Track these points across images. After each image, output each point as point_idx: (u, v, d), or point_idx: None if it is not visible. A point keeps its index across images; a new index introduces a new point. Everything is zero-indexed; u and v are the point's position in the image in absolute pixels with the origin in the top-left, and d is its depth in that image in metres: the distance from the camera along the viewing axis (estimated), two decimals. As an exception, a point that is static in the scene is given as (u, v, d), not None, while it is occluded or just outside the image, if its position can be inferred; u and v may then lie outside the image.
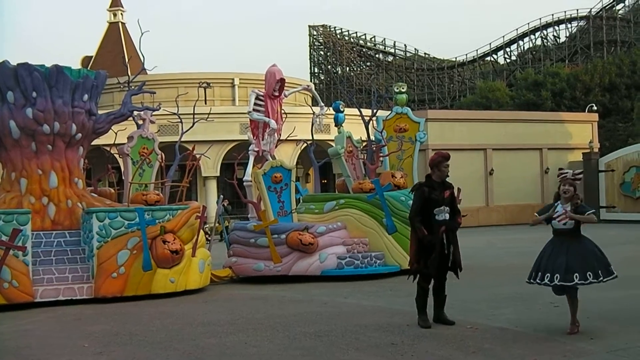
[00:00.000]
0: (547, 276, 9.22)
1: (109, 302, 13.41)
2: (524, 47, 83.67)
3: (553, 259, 9.19)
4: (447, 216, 9.79)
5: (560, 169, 10.36)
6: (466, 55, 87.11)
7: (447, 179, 10.08)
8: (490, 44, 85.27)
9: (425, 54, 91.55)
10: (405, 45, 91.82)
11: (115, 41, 64.50)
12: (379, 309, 11.81)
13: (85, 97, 15.67)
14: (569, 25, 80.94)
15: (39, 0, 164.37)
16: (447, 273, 9.98)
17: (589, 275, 9.01)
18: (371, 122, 20.02)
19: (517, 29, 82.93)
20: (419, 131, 20.05)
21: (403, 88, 21.09)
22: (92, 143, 17.04)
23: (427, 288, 9.96)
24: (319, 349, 8.68)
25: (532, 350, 8.26)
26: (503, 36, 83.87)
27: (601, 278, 9.07)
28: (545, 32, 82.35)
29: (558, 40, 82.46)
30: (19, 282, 12.95)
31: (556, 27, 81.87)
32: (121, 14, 67.00)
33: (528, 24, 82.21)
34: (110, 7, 67.42)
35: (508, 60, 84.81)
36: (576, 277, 8.95)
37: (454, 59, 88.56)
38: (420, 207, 9.88)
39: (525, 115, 45.73)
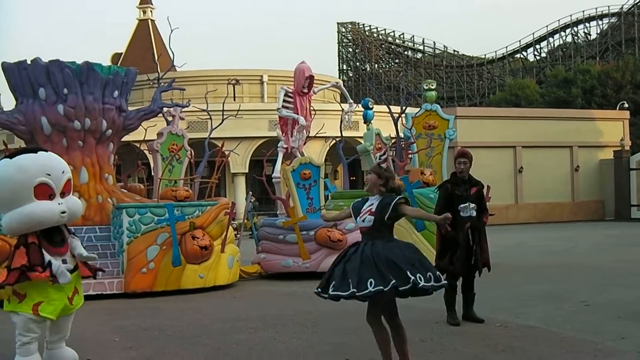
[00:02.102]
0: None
1: (138, 297, 13.50)
2: (554, 44, 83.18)
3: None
4: (474, 213, 9.73)
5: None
6: (495, 52, 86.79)
7: (475, 176, 10.06)
8: (519, 41, 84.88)
9: (454, 51, 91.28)
10: (434, 42, 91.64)
11: (145, 38, 64.85)
12: (408, 306, 11.68)
13: (116, 93, 15.78)
14: (600, 22, 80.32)
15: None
16: (481, 269, 9.93)
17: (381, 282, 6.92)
18: (400, 119, 19.98)
19: (547, 26, 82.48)
20: (448, 128, 19.98)
21: (432, 85, 21.03)
22: (122, 139, 17.16)
23: (455, 285, 9.91)
24: (348, 345, 8.68)
25: (562, 349, 8.20)
26: (533, 33, 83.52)
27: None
28: (575, 29, 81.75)
29: (589, 37, 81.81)
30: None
31: (587, 24, 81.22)
32: (150, 11, 67.36)
33: (558, 20, 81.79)
34: (139, 4, 67.80)
35: (538, 58, 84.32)
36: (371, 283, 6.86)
37: (483, 56, 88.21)
38: (444, 204, 9.87)
39: (555, 113, 45.39)
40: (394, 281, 6.72)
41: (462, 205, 9.68)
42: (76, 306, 7.53)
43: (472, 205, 9.72)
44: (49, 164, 7.43)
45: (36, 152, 7.49)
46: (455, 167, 10.05)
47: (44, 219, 7.21)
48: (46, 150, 7.58)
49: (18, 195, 7.29)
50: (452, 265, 9.75)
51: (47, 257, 7.19)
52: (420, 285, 6.79)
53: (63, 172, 7.46)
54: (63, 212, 7.33)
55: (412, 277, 6.75)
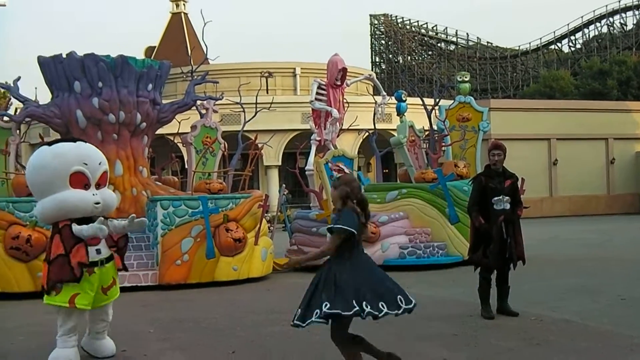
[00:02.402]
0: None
1: (173, 289, 13.58)
2: (589, 35, 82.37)
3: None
4: (507, 206, 9.65)
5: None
6: (529, 44, 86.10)
7: (509, 169, 9.99)
8: (554, 32, 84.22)
9: (487, 42, 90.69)
10: (467, 34, 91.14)
11: (178, 31, 65.07)
12: (442, 299, 11.75)
13: (150, 86, 15.86)
14: (636, 12, 79.37)
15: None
16: (516, 262, 9.85)
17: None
18: (434, 111, 19.90)
19: (582, 17, 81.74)
20: (482, 120, 19.86)
21: (466, 77, 20.91)
22: (156, 132, 17.25)
23: (489, 278, 9.86)
24: (381, 337, 8.64)
25: (598, 343, 8.13)
26: (567, 24, 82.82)
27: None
28: (611, 19, 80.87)
29: (625, 27, 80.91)
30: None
31: (623, 14, 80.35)
32: (183, 4, 67.56)
33: (594, 11, 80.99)
34: (173, -3, 68.04)
35: (573, 49, 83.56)
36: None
37: (517, 48, 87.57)
38: (477, 197, 9.82)
39: (590, 105, 45.01)
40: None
41: (495, 198, 9.62)
42: (111, 297, 7.61)
43: (506, 198, 9.64)
44: (87, 153, 7.49)
45: (75, 142, 7.57)
46: (489, 160, 9.99)
47: (77, 207, 7.27)
48: (84, 141, 7.66)
49: (53, 181, 7.36)
50: (486, 258, 9.70)
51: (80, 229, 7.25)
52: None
53: (100, 164, 7.52)
54: (97, 203, 7.38)
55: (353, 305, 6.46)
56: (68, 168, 7.33)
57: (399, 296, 6.80)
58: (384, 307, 6.57)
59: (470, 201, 10.06)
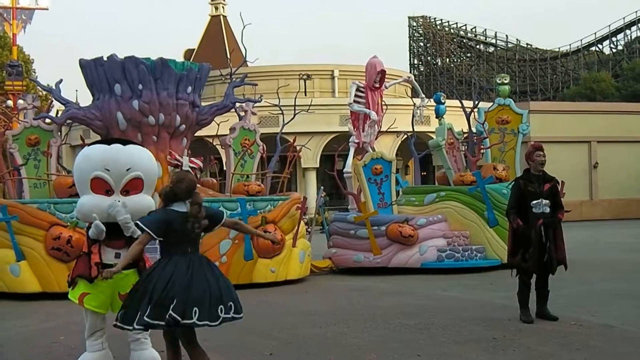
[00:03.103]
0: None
1: (211, 291, 13.62)
2: (631, 37, 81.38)
3: None
4: (547, 209, 9.54)
5: None
6: (570, 45, 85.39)
7: (549, 172, 9.90)
8: (595, 33, 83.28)
9: (527, 44, 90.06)
10: (506, 35, 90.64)
11: (217, 34, 65.38)
12: (480, 303, 11.69)
13: (189, 89, 15.94)
14: (679, 14, 78.30)
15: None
16: (555, 267, 9.73)
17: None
18: (472, 113, 19.79)
19: (624, 18, 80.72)
20: (521, 123, 19.70)
21: (505, 79, 20.77)
22: (195, 134, 17.34)
23: (529, 283, 9.78)
24: (418, 341, 8.65)
25: (639, 349, 8.04)
26: (609, 25, 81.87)
27: None
28: (654, 20, 79.83)
29: (668, 29, 79.87)
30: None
31: (666, 16, 79.30)
32: (222, 7, 67.86)
33: (636, 12, 79.89)
34: (212, 0, 68.34)
35: (614, 50, 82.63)
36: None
37: (557, 50, 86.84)
38: (516, 200, 9.77)
39: (632, 107, 44.52)
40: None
41: (534, 202, 9.54)
42: None
43: (545, 201, 9.55)
44: (113, 158, 7.20)
45: (109, 144, 7.35)
46: (528, 163, 9.90)
47: (92, 212, 7.11)
48: (124, 143, 7.43)
49: (80, 183, 7.30)
50: (525, 262, 9.63)
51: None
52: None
53: (128, 170, 7.20)
54: (110, 209, 7.13)
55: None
56: (90, 172, 7.18)
57: (220, 306, 6.55)
58: (195, 316, 6.33)
59: (508, 204, 10.02)
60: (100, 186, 7.15)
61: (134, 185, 7.26)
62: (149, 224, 6.40)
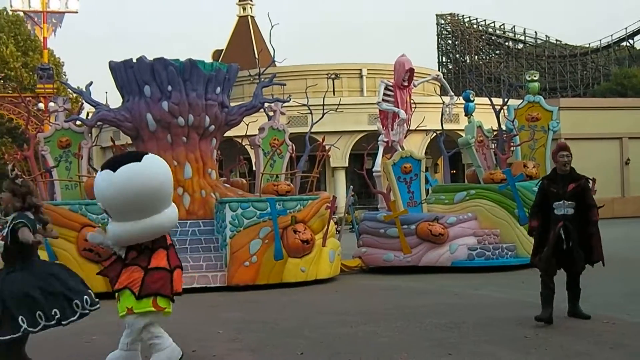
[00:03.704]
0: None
1: (241, 290, 13.67)
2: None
3: None
4: (569, 211, 9.31)
5: None
6: (600, 41, 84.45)
7: (579, 170, 9.76)
8: (626, 28, 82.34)
9: (556, 40, 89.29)
10: (535, 32, 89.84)
11: (245, 34, 65.51)
12: (511, 301, 11.61)
13: (218, 89, 16.00)
14: None
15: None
16: (581, 267, 9.58)
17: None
18: (502, 111, 19.69)
19: (655, 13, 79.76)
20: (552, 120, 19.57)
21: (535, 76, 20.63)
22: (224, 134, 17.40)
23: (548, 282, 9.44)
24: (450, 340, 8.61)
25: (675, 347, 7.96)
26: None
27: None
28: (686, 15, 78.85)
29: (700, 23, 78.91)
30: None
31: (698, 10, 78.31)
32: (250, 7, 67.97)
33: (667, 6, 78.98)
34: (239, 1, 68.48)
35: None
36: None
37: (587, 45, 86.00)
38: (539, 201, 9.68)
39: (664, 103, 44.05)
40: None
41: (556, 203, 9.36)
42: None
43: (568, 202, 9.32)
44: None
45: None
46: (555, 163, 9.78)
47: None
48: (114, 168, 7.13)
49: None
50: (540, 262, 9.54)
51: None
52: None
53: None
54: None
55: (23, 326, 6.43)
56: None
57: (75, 301, 6.73)
58: (41, 320, 6.47)
59: (532, 205, 9.98)
60: None
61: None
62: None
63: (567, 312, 9.71)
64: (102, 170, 7.11)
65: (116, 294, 7.33)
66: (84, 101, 17.49)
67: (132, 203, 6.99)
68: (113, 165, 7.03)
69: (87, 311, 6.92)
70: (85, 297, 6.91)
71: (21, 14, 44.32)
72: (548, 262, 9.39)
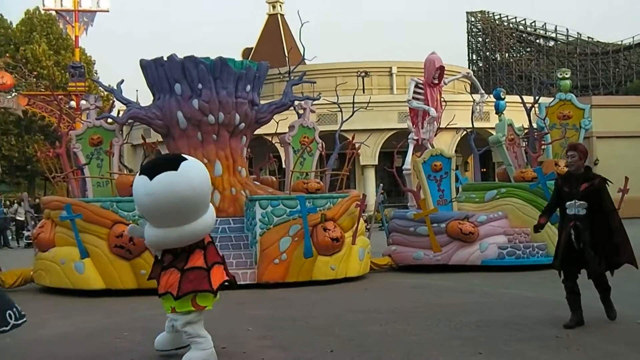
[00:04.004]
0: None
1: (270, 288, 13.70)
2: (696, 29, 79.50)
3: None
4: (580, 211, 9.07)
5: None
6: (633, 37, 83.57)
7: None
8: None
9: (588, 37, 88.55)
10: (567, 29, 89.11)
11: (275, 32, 65.59)
12: (542, 301, 11.54)
13: (248, 87, 16.04)
14: None
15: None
16: (594, 269, 9.21)
17: None
18: (533, 109, 19.58)
19: (689, 9, 78.90)
20: (583, 118, 19.42)
21: (567, 74, 20.50)
22: (255, 132, 17.44)
23: (568, 285, 9.25)
24: (479, 339, 8.57)
25: None
26: (674, 17, 79.98)
27: None
28: None
29: None
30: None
31: None
32: (280, 5, 68.03)
33: (701, 4, 78.09)
34: (269, -1, 68.65)
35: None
36: None
37: (619, 42, 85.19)
38: (553, 199, 9.62)
39: (697, 100, 43.54)
40: None
41: (568, 203, 9.20)
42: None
43: (580, 202, 9.09)
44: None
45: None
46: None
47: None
48: (150, 175, 7.21)
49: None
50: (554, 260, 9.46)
51: None
52: None
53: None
54: None
55: None
56: None
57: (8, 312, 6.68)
58: None
59: (548, 204, 9.94)
60: None
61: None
62: None
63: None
64: (140, 174, 7.20)
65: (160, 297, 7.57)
66: (115, 99, 17.58)
67: (167, 212, 7.08)
68: (150, 171, 7.08)
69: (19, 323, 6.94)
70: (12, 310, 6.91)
71: (53, 13, 44.66)
72: (559, 261, 9.30)
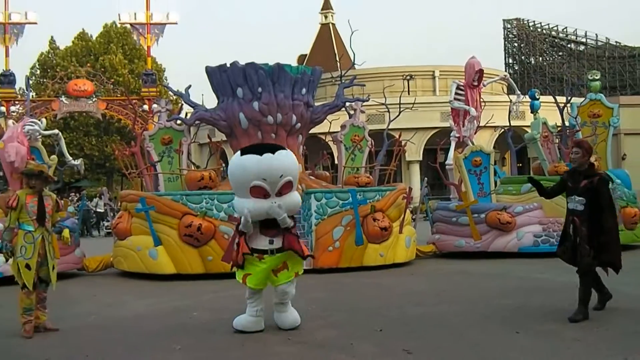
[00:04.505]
0: None
1: (325, 273, 13.71)
2: None
3: None
4: (578, 207, 8.72)
5: None
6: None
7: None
8: (684, 30, 79.78)
9: (616, 42, 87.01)
10: (596, 34, 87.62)
11: (327, 40, 65.58)
12: (574, 285, 11.33)
13: (304, 91, 16.06)
14: None
15: (262, 7, 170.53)
16: (585, 263, 8.76)
17: None
18: (565, 108, 19.34)
19: None
20: (612, 116, 19.14)
21: (596, 76, 20.18)
22: (309, 131, 17.47)
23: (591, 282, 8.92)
24: (517, 320, 8.50)
25: None
26: (698, 21, 78.23)
27: None
28: None
29: None
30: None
31: None
32: (331, 15, 68.03)
33: None
34: (321, 10, 68.65)
35: (703, 45, 78.96)
36: None
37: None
38: (556, 186, 9.37)
39: None
40: None
41: (569, 197, 8.93)
42: (281, 280, 8.03)
43: (579, 198, 8.75)
44: (268, 170, 7.74)
45: (261, 154, 7.81)
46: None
47: (251, 212, 7.80)
48: (273, 150, 7.90)
49: (239, 189, 7.97)
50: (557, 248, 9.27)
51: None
52: None
53: (281, 176, 7.78)
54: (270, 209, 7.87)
55: None
56: (249, 182, 7.77)
57: None
58: None
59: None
60: (260, 192, 7.81)
61: (287, 188, 7.93)
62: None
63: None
64: (280, 150, 7.99)
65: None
66: (183, 102, 17.74)
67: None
68: (268, 149, 7.92)
69: None
70: None
71: (128, 26, 45.13)
72: (562, 248, 9.10)
